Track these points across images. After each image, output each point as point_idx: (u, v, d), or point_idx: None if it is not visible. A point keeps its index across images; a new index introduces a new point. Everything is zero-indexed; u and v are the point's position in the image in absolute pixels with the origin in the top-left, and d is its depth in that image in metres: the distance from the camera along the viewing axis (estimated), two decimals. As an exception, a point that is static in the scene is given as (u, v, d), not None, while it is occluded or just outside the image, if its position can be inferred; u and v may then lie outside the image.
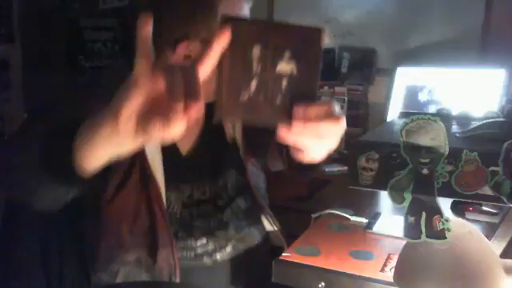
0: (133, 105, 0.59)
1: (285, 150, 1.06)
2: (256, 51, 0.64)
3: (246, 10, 1.02)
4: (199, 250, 1.10)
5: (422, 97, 2.17)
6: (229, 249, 1.13)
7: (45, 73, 2.91)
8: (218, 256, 1.12)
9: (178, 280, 1.04)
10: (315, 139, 0.70)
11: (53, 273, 1.14)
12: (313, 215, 1.31)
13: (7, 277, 1.16)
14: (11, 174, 0.85)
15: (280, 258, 1.02)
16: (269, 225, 1.23)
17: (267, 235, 1.23)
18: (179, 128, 0.59)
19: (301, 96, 0.66)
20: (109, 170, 0.77)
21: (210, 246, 1.11)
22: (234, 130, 1.18)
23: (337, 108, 0.70)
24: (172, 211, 1.08)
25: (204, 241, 1.11)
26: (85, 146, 0.67)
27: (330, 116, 0.68)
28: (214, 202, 1.14)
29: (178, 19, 0.96)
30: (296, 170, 1.12)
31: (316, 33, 0.65)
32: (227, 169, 1.16)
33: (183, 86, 0.58)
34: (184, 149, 1.11)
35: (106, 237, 1.05)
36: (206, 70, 0.61)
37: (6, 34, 2.86)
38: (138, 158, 1.01)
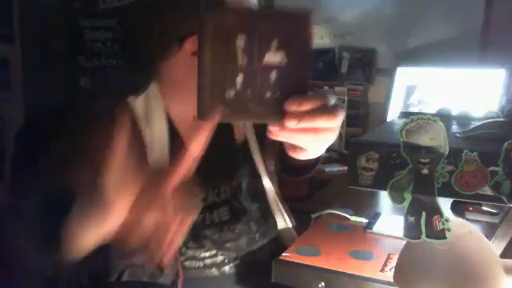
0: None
1: (278, 150, 1.01)
2: (240, 42, 0.58)
3: (253, 1, 0.97)
4: (208, 261, 1.07)
5: (414, 97, 2.17)
6: (238, 261, 1.10)
7: (45, 73, 2.91)
8: (227, 268, 1.09)
9: None
10: (311, 135, 0.65)
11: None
12: (313, 215, 1.31)
13: (4, 278, 1.16)
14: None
15: (280, 257, 1.02)
16: (283, 222, 1.19)
17: (277, 239, 1.20)
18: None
19: (292, 89, 0.61)
20: None
21: (220, 258, 1.08)
22: (245, 129, 1.13)
23: (332, 99, 0.67)
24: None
25: (214, 251, 1.07)
26: (73, 236, 0.66)
27: (325, 109, 0.63)
28: (229, 205, 1.09)
29: (183, 15, 0.92)
30: (290, 174, 1.08)
31: (304, 17, 0.59)
32: (241, 170, 1.11)
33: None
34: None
35: (114, 245, 1.02)
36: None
37: (6, 34, 2.86)
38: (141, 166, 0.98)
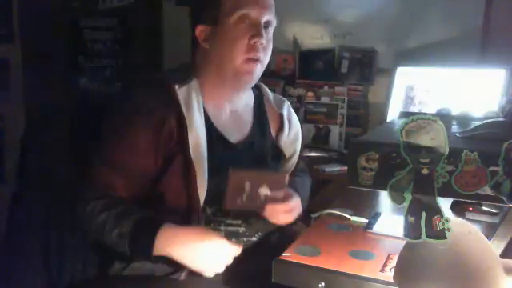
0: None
1: None
2: (248, 184, 1.21)
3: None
4: (231, 229, 1.28)
5: (414, 97, 2.17)
6: (255, 238, 1.30)
7: (45, 73, 2.91)
8: (245, 239, 1.28)
9: None
10: (281, 218, 1.27)
11: (52, 266, 1.20)
12: (313, 215, 1.31)
13: (9, 270, 1.21)
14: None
15: (280, 257, 1.02)
16: None
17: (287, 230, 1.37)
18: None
19: (272, 200, 1.25)
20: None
21: (241, 229, 1.29)
22: (277, 140, 1.41)
23: (293, 203, 1.28)
24: (213, 194, 1.23)
25: (239, 221, 1.29)
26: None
27: (287, 209, 1.27)
28: None
29: (194, 5, 1.29)
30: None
31: (281, 177, 1.27)
32: (268, 167, 1.36)
33: None
34: (234, 139, 1.32)
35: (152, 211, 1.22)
36: None
37: (6, 34, 2.86)
38: (182, 145, 1.20)
